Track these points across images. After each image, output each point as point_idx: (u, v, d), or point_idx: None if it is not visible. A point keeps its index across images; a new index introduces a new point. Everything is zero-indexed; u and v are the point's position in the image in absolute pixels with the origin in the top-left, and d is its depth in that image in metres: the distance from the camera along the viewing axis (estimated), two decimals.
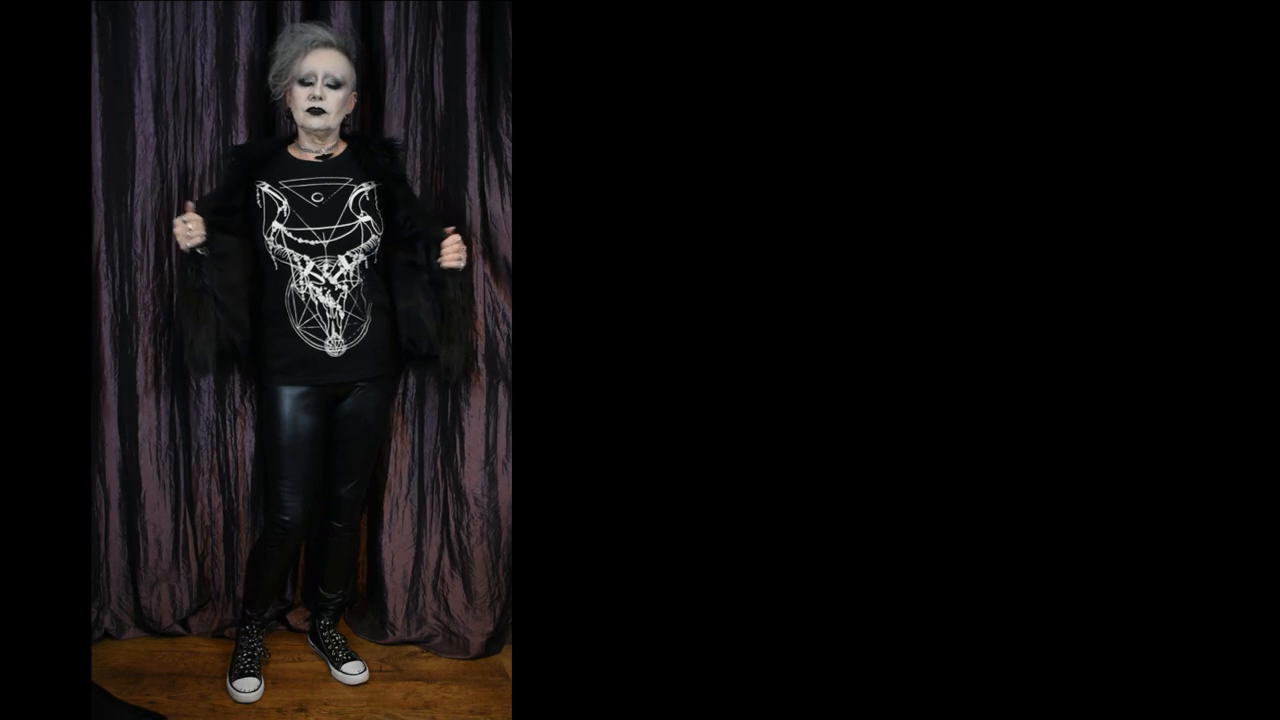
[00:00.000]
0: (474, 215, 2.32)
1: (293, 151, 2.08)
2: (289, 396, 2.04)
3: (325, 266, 2.01)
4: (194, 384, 2.31)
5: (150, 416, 2.27)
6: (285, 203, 2.01)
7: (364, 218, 2.03)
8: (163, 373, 2.28)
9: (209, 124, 2.23)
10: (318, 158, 2.06)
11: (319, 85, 1.99)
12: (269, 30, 2.24)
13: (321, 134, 2.04)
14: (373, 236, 2.04)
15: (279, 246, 2.00)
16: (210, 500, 2.34)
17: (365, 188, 2.06)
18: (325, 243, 2.00)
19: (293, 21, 2.23)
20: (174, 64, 2.22)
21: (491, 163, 2.33)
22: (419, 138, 2.32)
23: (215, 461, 2.33)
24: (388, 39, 2.29)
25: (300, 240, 1.99)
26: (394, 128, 2.31)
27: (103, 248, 2.20)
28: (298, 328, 2.01)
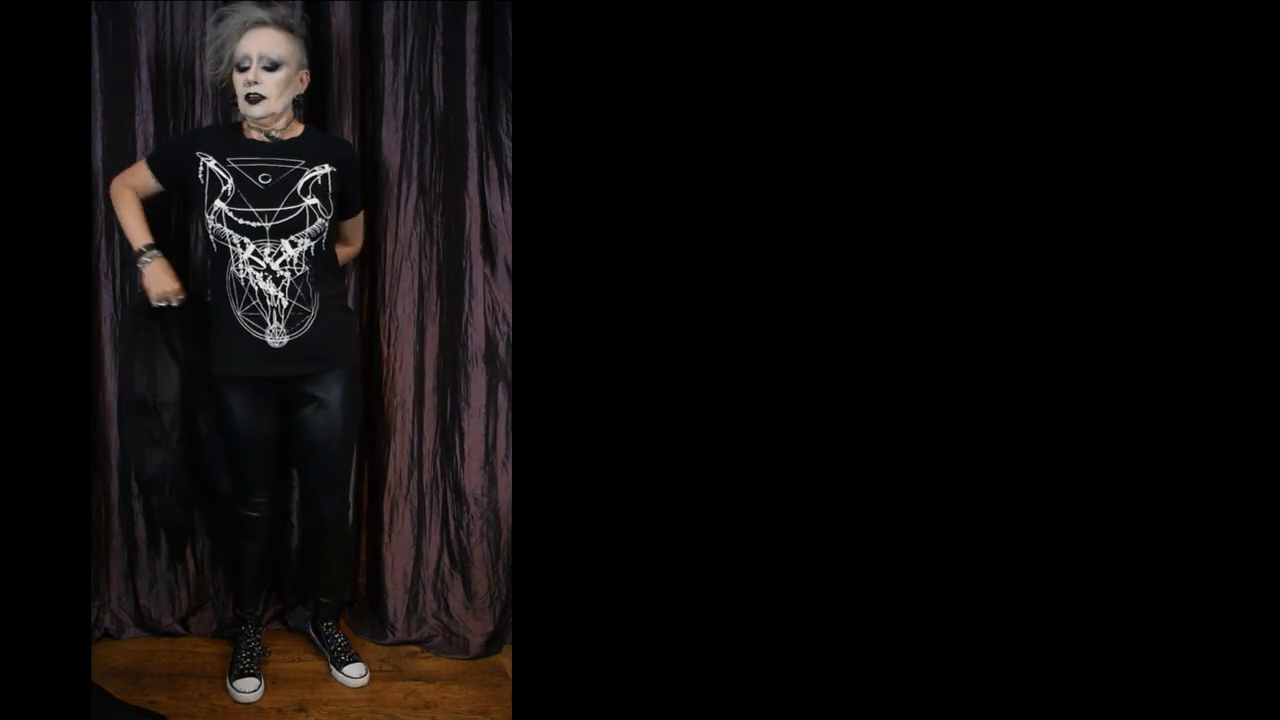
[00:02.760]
0: (474, 215, 2.32)
1: (245, 132, 1.97)
2: (234, 391, 1.96)
3: (266, 250, 1.89)
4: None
5: None
6: (230, 181, 1.88)
7: (310, 200, 1.92)
8: None
9: (209, 124, 2.23)
10: (268, 137, 1.95)
11: (254, 69, 1.86)
12: None
13: (266, 120, 1.92)
14: (319, 220, 1.93)
15: (219, 226, 1.89)
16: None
17: (319, 171, 1.94)
18: (267, 225, 1.88)
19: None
20: (174, 64, 2.22)
21: (491, 163, 2.33)
22: (419, 138, 2.32)
23: None
24: (387, 39, 2.29)
25: (241, 221, 1.88)
26: (394, 128, 2.31)
27: (103, 248, 2.20)
28: (238, 313, 1.91)
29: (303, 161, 1.94)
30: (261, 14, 1.89)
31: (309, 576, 2.32)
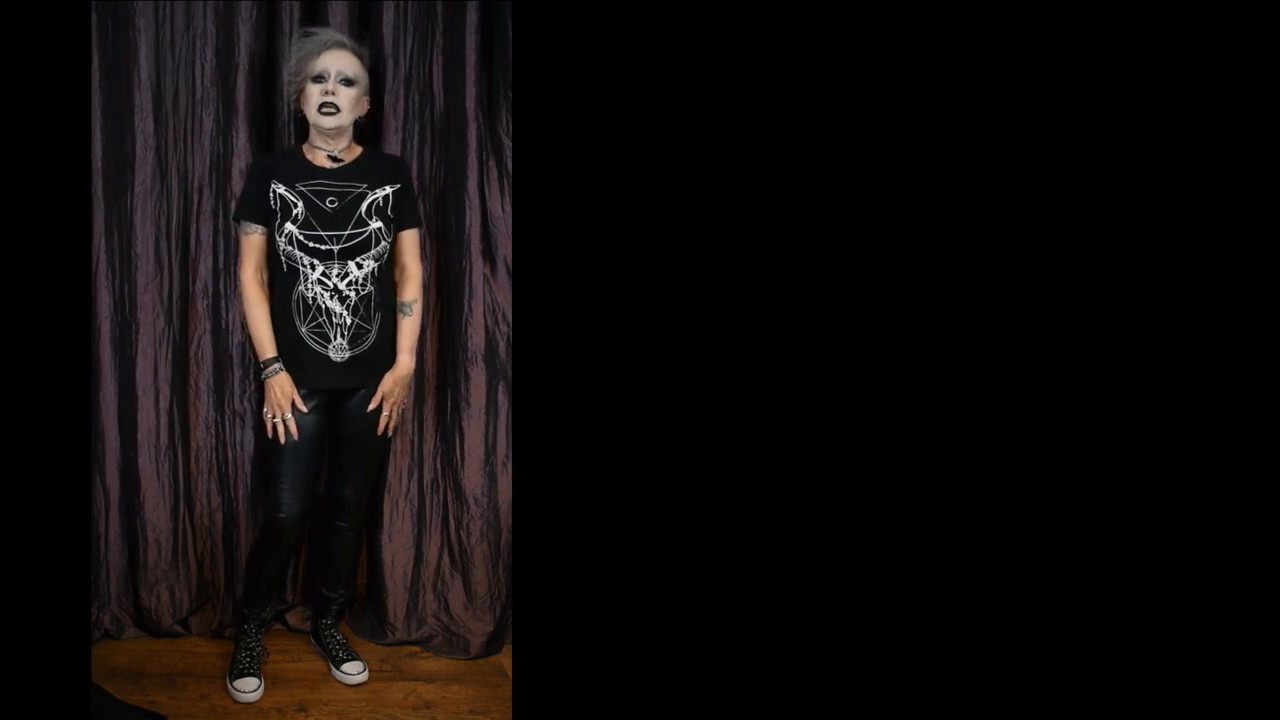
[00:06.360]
0: (474, 215, 2.32)
1: (308, 155, 2.08)
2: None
3: (335, 271, 2.03)
4: (194, 384, 2.31)
5: (150, 416, 2.27)
6: (300, 204, 2.03)
7: (375, 224, 2.06)
8: (162, 373, 2.28)
9: (209, 124, 2.23)
10: (330, 158, 2.07)
11: (332, 82, 2.01)
12: (269, 30, 2.24)
13: (334, 133, 2.04)
14: (383, 243, 2.07)
15: (289, 248, 2.02)
16: (210, 500, 2.34)
17: (380, 193, 2.08)
18: (336, 248, 2.02)
19: (291, 21, 2.24)
20: (174, 64, 2.22)
21: (491, 163, 2.33)
22: (418, 138, 2.33)
23: (215, 461, 2.34)
24: (387, 39, 2.29)
25: (311, 244, 2.01)
26: (394, 128, 2.31)
27: (103, 248, 2.21)
28: (302, 330, 2.03)
29: (365, 185, 2.07)
30: (341, 37, 2.10)
31: (317, 566, 2.32)
